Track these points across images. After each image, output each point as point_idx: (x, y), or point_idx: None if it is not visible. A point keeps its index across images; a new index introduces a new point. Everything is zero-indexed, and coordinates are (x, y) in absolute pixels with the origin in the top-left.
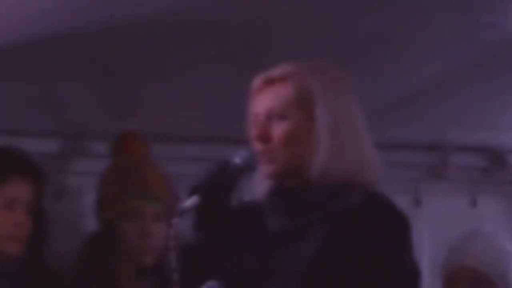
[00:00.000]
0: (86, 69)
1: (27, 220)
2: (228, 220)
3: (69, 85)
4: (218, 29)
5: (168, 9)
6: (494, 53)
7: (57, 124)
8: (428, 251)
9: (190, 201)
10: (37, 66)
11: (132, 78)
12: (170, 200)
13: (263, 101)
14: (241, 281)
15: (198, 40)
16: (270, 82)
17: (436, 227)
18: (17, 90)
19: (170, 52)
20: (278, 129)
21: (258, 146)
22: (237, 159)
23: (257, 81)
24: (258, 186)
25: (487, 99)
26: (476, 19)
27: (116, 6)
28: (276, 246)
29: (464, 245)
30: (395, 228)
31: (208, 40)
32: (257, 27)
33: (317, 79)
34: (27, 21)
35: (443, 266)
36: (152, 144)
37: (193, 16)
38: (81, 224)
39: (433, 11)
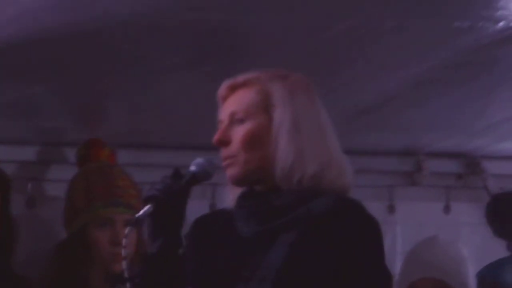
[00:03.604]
0: (58, 76)
1: None
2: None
3: (43, 92)
4: (188, 35)
5: (140, 16)
6: (467, 57)
7: (33, 132)
8: (402, 257)
9: (143, 210)
10: (9, 73)
11: (104, 85)
12: (141, 207)
13: (227, 106)
14: None
15: (169, 47)
16: (234, 89)
17: (411, 233)
18: None
19: (142, 58)
20: (239, 132)
21: (222, 150)
22: (193, 167)
23: (222, 88)
24: (230, 194)
25: (460, 104)
26: (450, 24)
27: (88, 10)
28: (246, 252)
29: (422, 256)
30: (364, 234)
31: (178, 46)
32: (228, 33)
33: (279, 83)
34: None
35: (401, 278)
36: (124, 151)
37: (164, 23)
38: (57, 231)
39: (406, 16)
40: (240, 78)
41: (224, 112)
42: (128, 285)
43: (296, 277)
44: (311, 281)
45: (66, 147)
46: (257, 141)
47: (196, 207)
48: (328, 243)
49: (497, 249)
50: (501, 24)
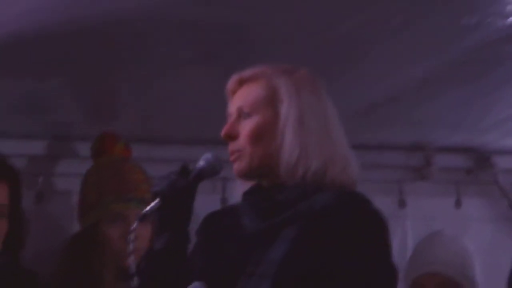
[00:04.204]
0: (69, 70)
1: (2, 224)
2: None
3: (53, 86)
4: (199, 31)
5: (150, 11)
6: (476, 54)
7: (43, 126)
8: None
9: (150, 206)
10: (20, 67)
11: (115, 79)
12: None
13: (235, 101)
14: (217, 283)
15: (179, 42)
16: (241, 83)
17: (421, 228)
18: (1, 92)
19: (151, 52)
20: (245, 126)
21: (229, 144)
22: (201, 162)
23: (231, 83)
24: (239, 189)
25: (469, 100)
26: (458, 21)
27: (99, 5)
28: (251, 248)
29: (426, 251)
30: (367, 228)
31: (189, 42)
32: (238, 28)
33: (285, 78)
34: (11, 21)
35: (407, 273)
36: (135, 146)
37: (174, 18)
38: (68, 225)
39: (414, 12)
40: (248, 72)
41: (232, 106)
42: (134, 279)
43: (297, 271)
44: (311, 276)
45: (76, 141)
46: (263, 135)
47: (207, 202)
48: (330, 237)
49: (507, 244)
50: (509, 20)
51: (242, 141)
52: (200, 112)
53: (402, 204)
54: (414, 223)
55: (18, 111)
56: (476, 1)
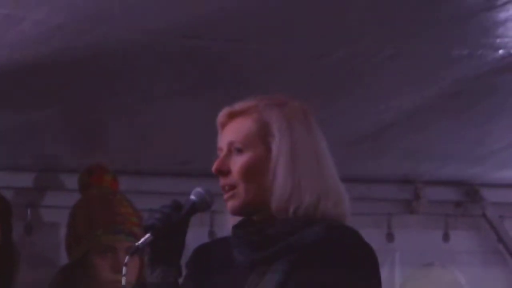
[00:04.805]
0: (56, 103)
1: None
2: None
3: (41, 118)
4: (188, 62)
5: (138, 43)
6: (466, 85)
7: (31, 158)
8: None
9: (143, 239)
10: (6, 99)
11: (103, 112)
12: (142, 234)
13: (226, 135)
14: None
15: (168, 74)
16: (232, 116)
17: (409, 261)
18: None
19: (141, 84)
20: (237, 162)
21: (220, 179)
22: (192, 197)
23: (221, 116)
24: (230, 222)
25: (459, 132)
26: (449, 51)
27: (88, 36)
28: (242, 281)
29: (417, 283)
30: (357, 261)
31: (177, 73)
32: (227, 59)
33: (277, 112)
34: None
35: None
36: (123, 178)
37: (163, 49)
38: (56, 257)
39: (405, 43)
40: (238, 106)
41: (223, 141)
42: None
43: None
44: None
45: (64, 173)
46: (255, 172)
47: (195, 235)
48: (321, 270)
49: (495, 277)
50: (500, 52)
51: (234, 177)
52: (189, 144)
53: (390, 238)
54: (403, 256)
55: (6, 143)
56: (467, 33)
